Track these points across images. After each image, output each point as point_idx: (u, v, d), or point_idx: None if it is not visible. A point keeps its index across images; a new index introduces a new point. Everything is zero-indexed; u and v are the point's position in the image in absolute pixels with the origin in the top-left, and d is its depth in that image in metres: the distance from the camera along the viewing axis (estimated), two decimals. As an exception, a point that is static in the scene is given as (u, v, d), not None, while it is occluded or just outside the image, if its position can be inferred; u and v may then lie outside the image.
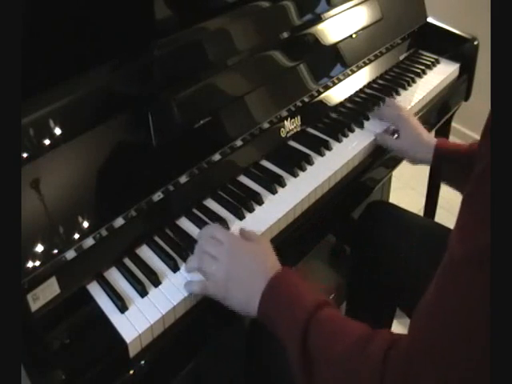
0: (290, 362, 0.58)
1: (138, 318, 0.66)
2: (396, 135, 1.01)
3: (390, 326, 1.19)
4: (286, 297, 0.62)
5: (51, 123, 0.68)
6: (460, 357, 0.44)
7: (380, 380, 0.48)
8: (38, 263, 0.63)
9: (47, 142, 0.67)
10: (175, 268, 0.72)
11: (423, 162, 0.99)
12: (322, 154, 0.95)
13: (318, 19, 1.06)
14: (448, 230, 0.97)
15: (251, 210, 0.82)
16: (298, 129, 0.99)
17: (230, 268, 0.66)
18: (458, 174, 0.91)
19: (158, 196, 0.77)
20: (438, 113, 1.23)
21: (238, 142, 0.88)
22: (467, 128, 2.10)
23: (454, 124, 1.43)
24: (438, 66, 1.28)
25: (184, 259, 0.73)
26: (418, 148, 0.97)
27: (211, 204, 0.84)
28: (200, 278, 0.69)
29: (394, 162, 1.08)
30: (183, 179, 0.80)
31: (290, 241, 0.83)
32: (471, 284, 0.44)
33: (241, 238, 0.71)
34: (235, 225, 0.80)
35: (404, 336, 0.51)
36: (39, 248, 0.64)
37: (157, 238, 0.77)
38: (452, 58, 1.30)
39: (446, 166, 0.94)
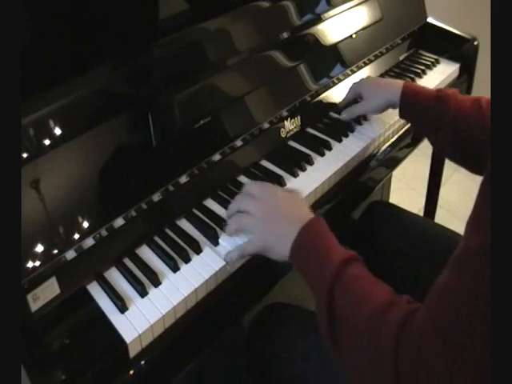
0: (318, 312, 0.60)
1: (138, 318, 0.66)
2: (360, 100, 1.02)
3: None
4: (315, 249, 0.64)
5: (51, 123, 0.68)
6: (472, 339, 0.45)
7: (395, 350, 0.49)
8: (38, 263, 0.63)
9: (47, 141, 0.67)
10: (175, 268, 0.72)
11: (391, 106, 0.97)
12: (321, 154, 0.95)
13: (318, 19, 1.06)
14: (448, 230, 0.98)
15: (251, 210, 0.82)
16: (298, 129, 0.99)
17: (266, 222, 0.70)
18: (423, 116, 0.92)
19: (158, 196, 0.77)
20: (438, 113, 1.23)
21: (238, 142, 0.88)
22: (467, 128, 2.10)
23: (454, 124, 1.42)
24: (438, 66, 1.28)
25: (184, 259, 0.73)
26: (382, 93, 0.96)
27: (211, 204, 0.84)
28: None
29: (394, 162, 1.08)
30: (183, 179, 0.80)
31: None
32: (486, 273, 0.45)
33: (274, 187, 0.76)
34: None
35: (420, 309, 0.51)
36: (39, 248, 0.64)
37: (157, 238, 0.77)
38: (452, 58, 1.30)
39: (412, 107, 0.94)
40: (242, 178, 0.89)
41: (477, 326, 0.45)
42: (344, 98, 1.05)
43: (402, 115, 0.96)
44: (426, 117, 0.91)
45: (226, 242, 0.76)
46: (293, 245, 0.66)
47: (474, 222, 0.49)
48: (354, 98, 1.04)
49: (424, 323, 0.49)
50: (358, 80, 1.05)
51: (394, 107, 0.97)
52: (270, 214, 0.70)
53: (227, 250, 0.74)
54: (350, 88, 1.04)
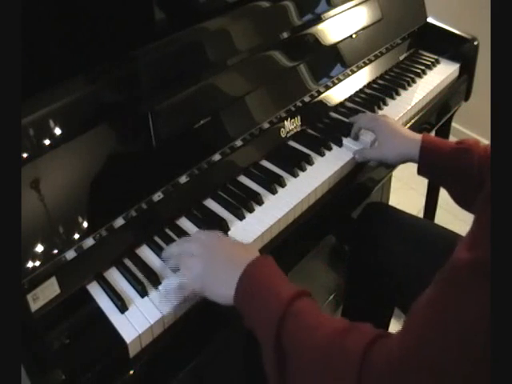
0: (263, 359, 0.56)
1: (138, 318, 0.66)
2: (375, 143, 0.97)
3: (388, 326, 1.19)
4: (262, 287, 0.59)
5: (51, 123, 0.68)
6: (454, 366, 0.43)
7: (357, 377, 0.46)
8: (38, 263, 0.63)
9: (47, 141, 0.67)
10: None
11: (409, 160, 0.92)
12: (321, 154, 0.95)
13: (318, 19, 1.06)
14: (446, 230, 0.97)
15: (251, 211, 0.82)
16: (298, 129, 0.99)
17: (206, 261, 0.65)
18: (445, 170, 0.88)
19: (158, 196, 0.77)
20: (438, 113, 1.23)
21: (238, 142, 0.88)
22: (467, 128, 2.10)
23: (454, 124, 1.43)
24: (438, 66, 1.28)
25: (184, 259, 0.73)
26: (399, 146, 0.91)
27: (211, 204, 0.84)
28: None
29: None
30: (183, 179, 0.80)
31: (290, 241, 0.83)
32: (475, 293, 0.43)
33: (221, 234, 0.71)
34: (235, 225, 0.80)
35: (391, 335, 0.49)
36: (39, 248, 0.64)
37: (157, 238, 0.77)
38: (452, 57, 1.30)
39: (433, 161, 0.89)
40: (242, 178, 0.89)
41: (461, 350, 0.42)
42: (354, 127, 0.99)
43: (420, 170, 0.90)
44: (448, 171, 0.86)
45: None
46: (237, 285, 0.61)
47: (468, 239, 0.46)
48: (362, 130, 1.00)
49: (400, 350, 0.45)
50: (374, 115, 1.01)
51: (412, 161, 0.91)
52: (212, 255, 0.66)
53: None
54: (366, 119, 0.98)
